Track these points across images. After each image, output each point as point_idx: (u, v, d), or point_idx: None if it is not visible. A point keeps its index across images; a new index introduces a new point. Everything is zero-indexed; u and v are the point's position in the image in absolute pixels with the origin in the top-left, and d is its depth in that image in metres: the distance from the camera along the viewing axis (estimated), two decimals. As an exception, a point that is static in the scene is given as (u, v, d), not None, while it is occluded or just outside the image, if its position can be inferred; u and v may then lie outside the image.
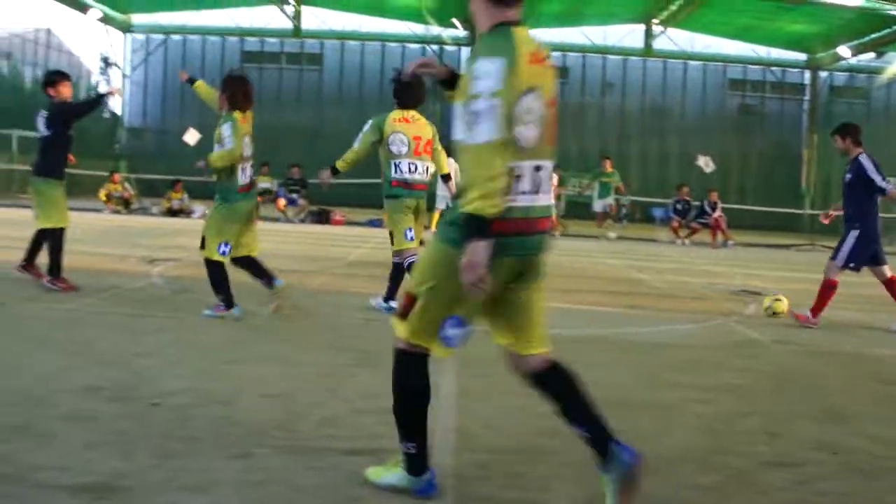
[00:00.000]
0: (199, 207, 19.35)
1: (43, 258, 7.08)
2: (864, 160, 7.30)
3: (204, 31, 31.35)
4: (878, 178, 7.22)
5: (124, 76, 31.07)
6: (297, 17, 29.77)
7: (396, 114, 6.64)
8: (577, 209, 21.51)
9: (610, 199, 19.65)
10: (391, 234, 6.73)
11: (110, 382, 4.22)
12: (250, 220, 6.42)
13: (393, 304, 6.65)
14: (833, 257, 7.44)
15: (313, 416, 3.85)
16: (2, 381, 4.16)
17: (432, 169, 6.90)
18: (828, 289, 7.36)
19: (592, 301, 8.31)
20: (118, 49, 30.87)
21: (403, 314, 2.90)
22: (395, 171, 6.60)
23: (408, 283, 3.10)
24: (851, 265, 7.37)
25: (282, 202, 19.36)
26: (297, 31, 30.07)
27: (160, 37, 31.62)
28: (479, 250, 2.61)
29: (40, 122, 7.11)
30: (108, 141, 30.53)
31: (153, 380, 4.34)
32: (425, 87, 6.64)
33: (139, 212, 19.95)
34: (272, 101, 31.03)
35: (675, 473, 3.36)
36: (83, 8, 27.37)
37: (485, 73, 2.66)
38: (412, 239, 6.64)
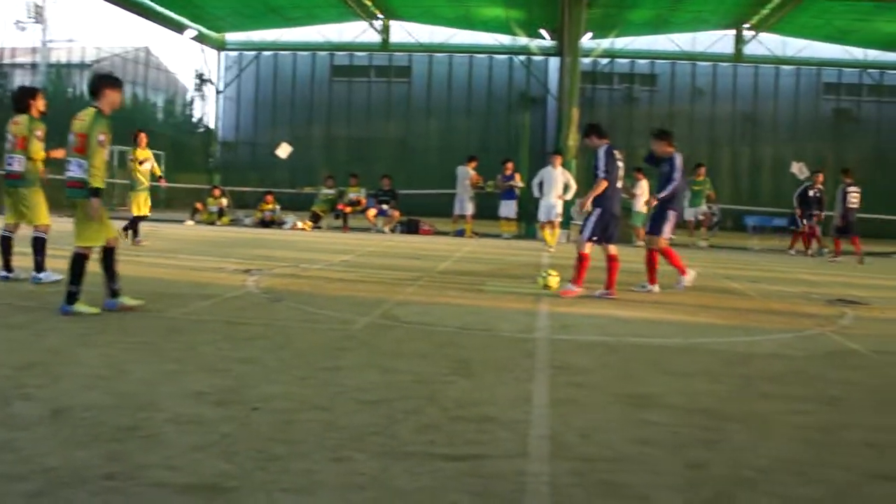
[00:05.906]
0: (291, 218, 19.79)
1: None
2: None
3: (294, 47, 32.07)
4: None
5: (218, 92, 32.05)
6: (385, 31, 30.20)
7: None
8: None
9: (703, 207, 19.22)
10: None
11: (213, 388, 4.36)
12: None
13: None
14: None
15: (411, 423, 3.91)
16: (109, 385, 4.33)
17: None
18: None
19: (686, 311, 8.19)
20: (212, 66, 31.97)
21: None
22: None
23: None
24: None
25: (372, 212, 19.67)
26: (385, 45, 30.49)
27: (252, 53, 32.47)
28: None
29: None
30: (204, 155, 31.56)
31: (254, 385, 4.47)
32: None
33: (233, 223, 20.51)
34: (361, 113, 31.59)
35: (775, 485, 3.30)
36: (180, 28, 28.36)
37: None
38: None
